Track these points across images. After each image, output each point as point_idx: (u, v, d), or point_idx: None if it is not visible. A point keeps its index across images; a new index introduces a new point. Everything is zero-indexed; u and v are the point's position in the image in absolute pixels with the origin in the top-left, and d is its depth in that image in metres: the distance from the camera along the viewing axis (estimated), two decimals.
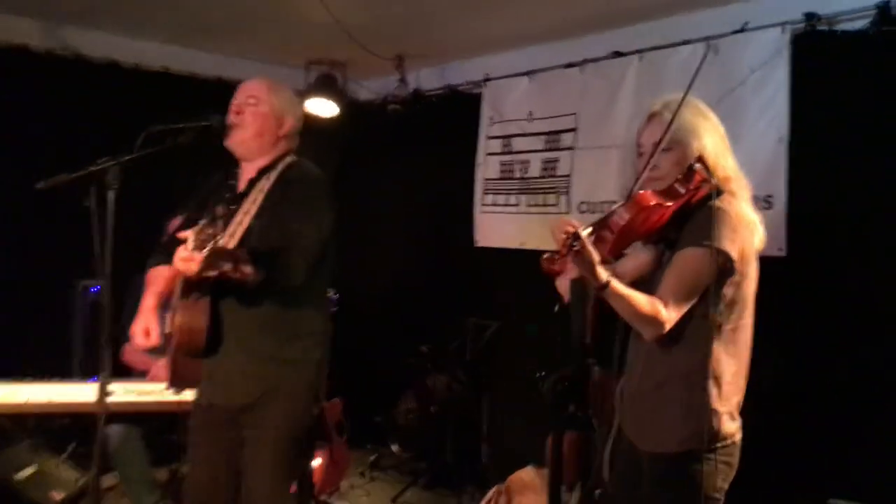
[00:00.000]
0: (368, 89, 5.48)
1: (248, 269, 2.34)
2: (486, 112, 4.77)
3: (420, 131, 5.16)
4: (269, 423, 2.56)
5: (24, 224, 4.29)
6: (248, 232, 2.53)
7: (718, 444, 1.99)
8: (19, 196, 3.47)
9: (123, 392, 3.36)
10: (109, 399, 3.10)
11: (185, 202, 2.82)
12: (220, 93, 4.96)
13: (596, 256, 1.81)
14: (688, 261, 1.94)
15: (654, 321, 1.91)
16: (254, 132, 2.62)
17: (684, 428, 2.00)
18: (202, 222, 2.22)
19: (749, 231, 2.00)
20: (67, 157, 2.36)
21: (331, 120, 5.15)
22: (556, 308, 1.93)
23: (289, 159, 2.71)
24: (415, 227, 5.19)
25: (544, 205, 4.41)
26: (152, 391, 3.40)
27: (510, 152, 4.62)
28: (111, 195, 2.21)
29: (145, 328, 2.59)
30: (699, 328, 1.96)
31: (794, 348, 3.23)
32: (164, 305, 2.65)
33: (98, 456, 2.39)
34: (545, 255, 1.75)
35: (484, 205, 4.76)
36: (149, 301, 2.65)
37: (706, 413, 1.97)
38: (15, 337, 4.23)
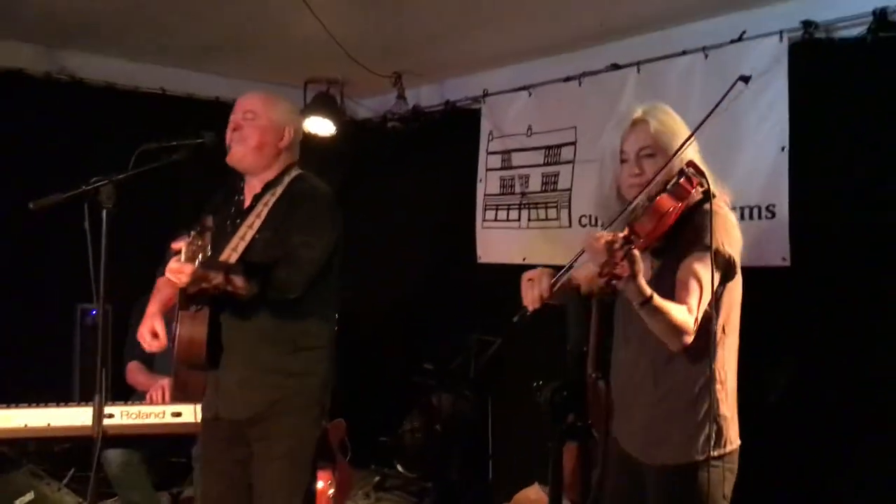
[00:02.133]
0: (367, 107, 5.48)
1: (239, 281, 2.37)
2: (485, 127, 4.76)
3: (420, 148, 5.15)
4: (276, 436, 2.57)
5: (24, 247, 4.28)
6: (251, 245, 2.55)
7: (727, 450, 1.99)
8: (19, 219, 3.46)
9: (122, 415, 3.33)
10: (108, 422, 3.11)
11: (193, 217, 2.82)
12: (218, 113, 4.98)
13: (641, 264, 1.79)
14: (700, 266, 1.93)
15: (686, 331, 1.89)
16: (254, 146, 2.62)
17: (697, 435, 1.99)
18: (193, 234, 2.26)
19: (739, 234, 2.03)
20: (66, 180, 2.35)
21: (330, 139, 5.14)
22: (516, 319, 1.91)
23: (294, 172, 2.71)
24: (417, 245, 5.16)
25: (546, 219, 4.38)
26: (151, 413, 3.36)
27: (510, 167, 4.61)
28: (105, 215, 2.20)
29: (152, 329, 2.59)
30: (703, 334, 1.95)
31: (799, 358, 3.19)
32: (170, 313, 2.65)
33: (95, 482, 2.35)
34: (603, 263, 1.72)
35: (485, 220, 4.74)
36: (153, 307, 2.67)
37: (716, 418, 1.98)
38: (14, 361, 4.20)
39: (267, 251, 2.53)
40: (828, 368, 3.17)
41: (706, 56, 3.61)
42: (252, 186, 2.70)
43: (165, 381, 3.55)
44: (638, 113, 2.10)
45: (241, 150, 2.62)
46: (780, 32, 3.32)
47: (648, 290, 1.81)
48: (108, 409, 3.19)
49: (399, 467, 4.89)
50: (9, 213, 3.44)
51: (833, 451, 3.12)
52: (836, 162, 3.24)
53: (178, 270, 2.29)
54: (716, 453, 1.98)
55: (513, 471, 4.34)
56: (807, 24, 3.27)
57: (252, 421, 2.59)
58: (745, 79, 2.10)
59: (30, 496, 3.53)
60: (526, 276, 2.08)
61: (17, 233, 4.10)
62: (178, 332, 2.49)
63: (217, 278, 2.37)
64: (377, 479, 4.88)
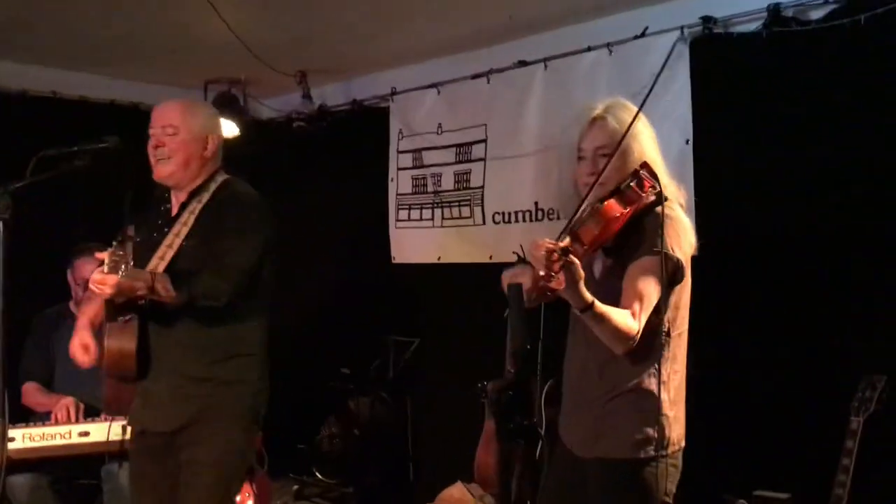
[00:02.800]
0: (271, 107, 5.35)
1: (164, 290, 2.36)
2: (394, 126, 4.72)
3: (328, 148, 5.06)
4: (205, 443, 2.53)
5: None
6: (178, 254, 2.53)
7: (669, 451, 2.01)
8: None
9: (25, 438, 3.14)
10: (10, 446, 2.94)
11: (114, 227, 2.70)
12: (114, 116, 4.81)
13: (581, 272, 1.78)
14: (647, 270, 1.94)
15: (629, 336, 1.89)
16: (180, 163, 2.59)
17: (637, 434, 2.00)
18: (114, 244, 2.26)
19: (690, 236, 2.05)
20: None
21: (233, 140, 4.99)
22: (506, 314, 1.88)
23: (220, 178, 2.69)
24: (330, 247, 5.07)
25: (459, 217, 4.38)
26: (56, 434, 3.19)
27: (422, 166, 4.58)
28: (1, 226, 2.06)
29: (83, 343, 2.59)
30: (651, 336, 1.96)
31: (712, 347, 3.28)
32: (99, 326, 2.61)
33: None
34: (541, 275, 1.69)
35: (399, 220, 4.70)
36: (82, 320, 2.66)
37: (658, 419, 1.99)
38: None
39: (194, 259, 2.50)
40: (724, 360, 3.25)
41: (611, 52, 3.68)
42: (178, 195, 2.67)
43: (69, 400, 3.38)
44: (598, 110, 2.07)
45: (168, 168, 2.59)
46: (681, 28, 3.41)
47: (589, 298, 1.81)
48: (9, 433, 3.01)
49: (318, 474, 4.81)
50: None
51: (753, 432, 3.21)
52: (737, 153, 3.34)
53: (101, 282, 2.28)
54: (657, 453, 1.99)
55: (434, 471, 4.34)
56: (706, 20, 3.37)
57: (180, 430, 2.54)
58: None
59: None
60: (507, 275, 1.99)
61: None
62: (106, 345, 2.46)
63: (142, 289, 2.36)
64: (296, 487, 4.79)
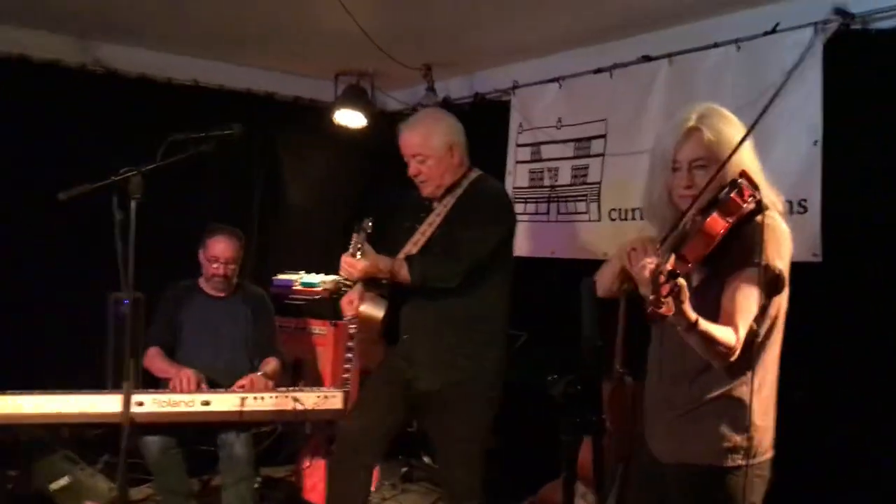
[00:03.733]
0: (397, 99, 5.48)
1: (402, 274, 2.85)
2: (515, 120, 4.74)
3: None
4: (458, 419, 2.93)
5: (59, 238, 4.36)
6: (429, 241, 2.96)
7: (757, 461, 1.96)
8: (54, 210, 3.53)
9: (153, 403, 3.38)
10: (139, 410, 3.18)
11: (391, 217, 3.28)
12: (249, 104, 5.08)
13: (687, 294, 1.74)
14: (748, 282, 1.89)
15: (730, 351, 1.86)
16: (437, 181, 2.99)
17: (725, 441, 1.96)
18: (355, 232, 2.88)
19: (789, 245, 1.98)
20: (100, 171, 2.40)
21: (360, 131, 5.16)
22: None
23: (473, 176, 3.06)
24: None
25: (575, 212, 4.36)
26: (181, 402, 3.41)
27: (540, 160, 4.59)
28: (134, 205, 2.24)
29: (350, 299, 3.03)
30: (744, 345, 1.91)
31: (829, 356, 3.14)
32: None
33: (124, 465, 2.40)
34: (650, 299, 1.66)
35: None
36: (359, 286, 3.07)
37: (748, 427, 1.94)
38: (49, 349, 4.30)
39: (442, 245, 2.91)
40: (859, 366, 3.12)
41: (739, 48, 3.56)
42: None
43: (190, 371, 3.58)
44: (692, 121, 2.01)
45: (430, 189, 3.01)
46: (815, 24, 3.26)
47: (693, 316, 1.78)
48: (139, 397, 3.26)
49: (426, 458, 4.90)
50: (44, 203, 3.51)
51: (863, 449, 3.08)
52: (870, 156, 3.17)
53: (351, 264, 2.87)
54: (744, 462, 1.95)
55: (540, 464, 4.33)
56: (843, 15, 3.20)
57: (436, 395, 2.93)
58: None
59: (65, 480, 3.62)
60: (630, 244, 2.02)
61: (52, 223, 4.17)
62: (360, 310, 2.96)
63: (383, 272, 2.88)
64: (404, 470, 4.89)
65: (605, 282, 2.17)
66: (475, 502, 3.03)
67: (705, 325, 1.81)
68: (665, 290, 1.64)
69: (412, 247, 2.97)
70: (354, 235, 2.91)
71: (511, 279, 3.09)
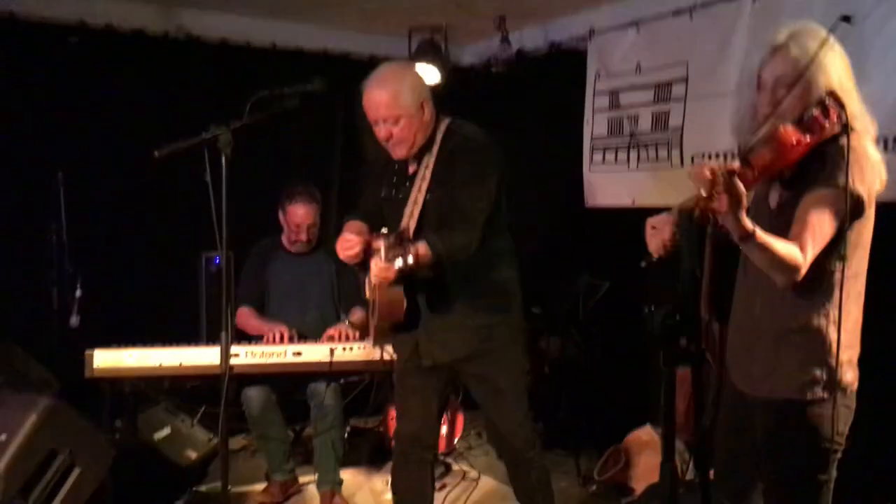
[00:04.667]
0: (471, 53, 5.45)
1: (425, 259, 2.58)
2: (591, 67, 4.66)
3: (525, 93, 5.09)
4: (497, 372, 2.86)
5: (153, 199, 4.53)
6: (424, 208, 2.74)
7: (838, 392, 1.93)
8: (145, 173, 3.68)
9: (247, 354, 3.51)
10: (233, 361, 3.30)
11: (361, 185, 3.08)
12: (326, 65, 5.12)
13: (744, 199, 1.71)
14: (822, 202, 1.85)
15: (793, 268, 1.82)
16: (411, 141, 2.75)
17: (804, 375, 1.94)
18: (391, 238, 2.54)
19: (874, 172, 1.91)
20: (186, 134, 2.48)
21: (435, 86, 5.15)
22: (644, 264, 1.85)
23: (443, 126, 2.82)
24: (526, 189, 5.13)
25: (656, 160, 4.28)
26: (273, 353, 3.54)
27: (618, 107, 4.50)
28: (224, 160, 2.31)
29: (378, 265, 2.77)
30: (824, 273, 1.88)
31: None
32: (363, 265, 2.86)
33: (225, 415, 2.51)
34: (702, 194, 1.64)
35: (593, 163, 4.68)
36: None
37: (827, 360, 1.92)
38: (147, 306, 4.50)
39: (439, 211, 2.72)
40: None
41: None
42: None
43: (282, 326, 3.71)
44: (782, 37, 1.95)
45: (404, 150, 2.76)
46: None
47: (750, 226, 1.74)
48: (234, 349, 3.39)
49: None
50: (138, 167, 3.65)
51: None
52: None
53: (385, 271, 2.52)
54: (826, 394, 1.92)
55: (623, 413, 4.34)
56: None
57: (468, 359, 2.84)
58: (847, 18, 1.95)
59: (166, 431, 3.80)
60: (650, 222, 2.01)
61: (147, 185, 4.34)
62: (378, 296, 2.73)
63: (409, 267, 2.55)
64: None
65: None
66: (535, 450, 2.98)
67: (764, 236, 1.77)
68: (719, 186, 1.63)
69: (408, 219, 2.75)
70: (388, 241, 2.54)
71: (507, 219, 2.93)
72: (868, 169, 1.89)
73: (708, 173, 1.64)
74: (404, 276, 2.60)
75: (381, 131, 2.73)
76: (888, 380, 2.27)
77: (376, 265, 2.54)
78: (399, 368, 3.02)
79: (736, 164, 1.74)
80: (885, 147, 3.15)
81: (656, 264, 1.97)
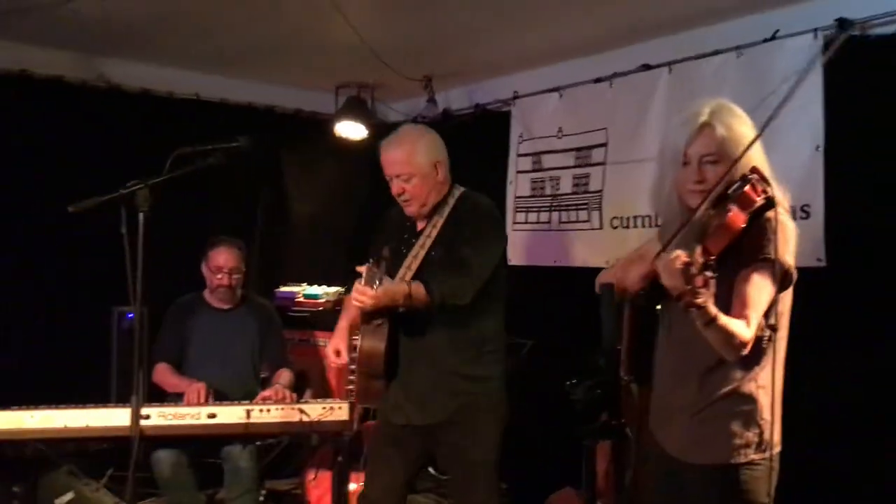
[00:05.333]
0: (397, 111, 5.50)
1: (420, 295, 2.65)
2: (515, 130, 4.76)
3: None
4: (470, 443, 2.81)
5: (62, 251, 4.36)
6: (424, 263, 2.82)
7: (767, 454, 1.99)
8: (58, 224, 3.54)
9: (158, 416, 3.37)
10: (144, 423, 3.17)
11: (373, 237, 3.08)
12: (251, 118, 5.09)
13: (713, 287, 1.75)
14: (758, 276, 1.91)
15: (743, 345, 1.87)
16: (423, 200, 2.85)
17: (737, 438, 1.99)
18: (371, 261, 2.61)
19: (794, 241, 1.99)
20: (103, 185, 2.41)
21: (361, 142, 5.17)
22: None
23: (457, 192, 2.95)
24: None
25: (577, 221, 4.37)
26: (187, 414, 3.41)
27: (541, 169, 4.60)
28: (142, 217, 2.24)
29: (335, 348, 2.90)
30: (755, 341, 1.93)
31: (835, 361, 3.14)
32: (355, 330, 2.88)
33: (134, 479, 2.40)
34: (687, 290, 1.68)
35: (516, 223, 4.73)
36: (342, 323, 2.97)
37: (758, 422, 1.98)
38: (53, 363, 4.28)
39: (438, 267, 2.78)
40: (864, 369, 3.12)
41: (739, 55, 3.58)
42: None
43: (201, 385, 3.59)
44: (704, 116, 2.02)
45: (415, 208, 2.87)
46: (815, 30, 3.28)
47: (714, 311, 1.79)
48: (144, 410, 3.25)
49: (430, 469, 4.89)
50: (48, 218, 3.52)
51: (868, 452, 3.07)
52: (872, 161, 3.18)
53: (362, 293, 2.60)
54: (757, 456, 1.97)
55: (546, 474, 4.33)
56: (841, 22, 3.22)
57: (444, 425, 2.81)
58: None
59: (69, 496, 3.60)
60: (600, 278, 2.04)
61: (57, 237, 4.19)
62: (360, 345, 2.74)
63: (400, 301, 2.66)
64: None
65: (633, 281, 2.16)
66: None
67: (724, 319, 1.82)
68: (700, 280, 1.67)
69: (405, 271, 2.82)
70: (370, 265, 2.66)
71: (505, 298, 2.98)
72: (791, 240, 1.97)
73: (681, 266, 1.67)
74: (389, 312, 2.68)
75: (394, 187, 2.86)
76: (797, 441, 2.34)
77: (356, 289, 2.61)
78: (374, 433, 3.02)
79: (702, 255, 1.75)
80: (794, 216, 3.29)
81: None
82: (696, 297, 1.68)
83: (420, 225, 2.92)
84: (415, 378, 2.83)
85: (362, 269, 2.64)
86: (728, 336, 1.84)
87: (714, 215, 1.90)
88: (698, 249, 1.76)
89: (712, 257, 1.80)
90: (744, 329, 1.86)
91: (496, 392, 2.89)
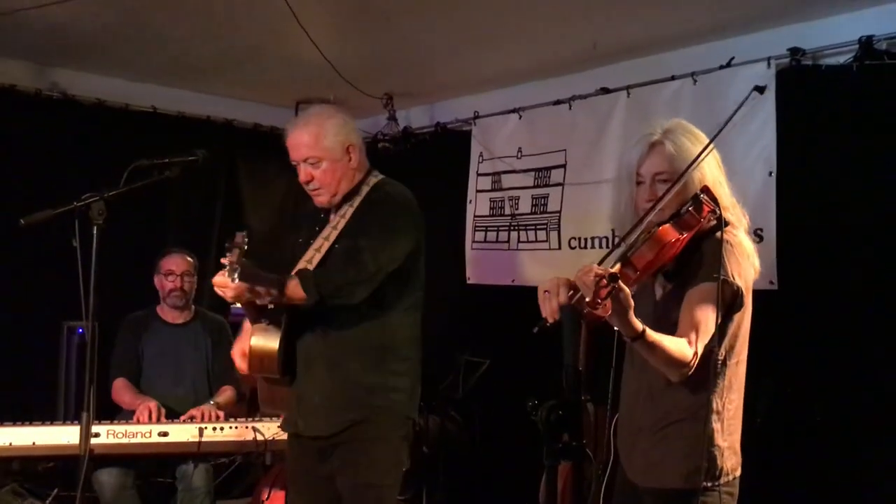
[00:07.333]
0: (359, 127, 5.46)
1: (294, 291, 2.36)
2: (475, 149, 4.78)
3: (410, 169, 5.10)
4: (363, 464, 2.52)
5: (11, 263, 4.24)
6: (326, 256, 2.53)
7: (721, 480, 1.97)
8: (8, 236, 3.46)
9: (108, 434, 3.30)
10: (94, 441, 3.08)
11: (289, 233, 2.83)
12: (209, 132, 5.02)
13: (630, 301, 1.73)
14: (704, 296, 1.90)
15: (683, 364, 1.85)
16: (334, 188, 2.57)
17: (688, 463, 1.97)
18: (233, 249, 2.27)
19: (750, 262, 2.00)
20: (56, 197, 2.35)
21: None
22: (536, 329, 1.84)
23: (373, 180, 2.65)
24: None
25: (535, 241, 4.40)
26: (138, 433, 3.34)
27: (500, 189, 4.63)
28: (96, 231, 2.20)
29: (242, 351, 2.60)
30: (704, 364, 1.91)
31: (787, 382, 3.20)
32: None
33: (82, 500, 2.33)
34: (586, 301, 1.65)
35: (475, 242, 4.75)
36: (246, 325, 2.66)
37: (710, 449, 1.95)
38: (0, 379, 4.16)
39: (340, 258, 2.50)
40: (816, 391, 3.18)
41: (695, 81, 3.66)
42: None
43: (152, 403, 3.52)
44: (657, 135, 2.03)
45: (325, 197, 2.59)
46: (768, 59, 3.37)
47: (639, 326, 1.77)
48: (94, 428, 3.16)
49: None
50: None
51: (823, 471, 3.13)
52: (822, 186, 3.27)
53: (223, 285, 2.31)
54: (709, 483, 1.95)
55: (503, 492, 4.32)
56: (794, 51, 3.32)
57: (335, 440, 2.54)
58: (760, 89, 2.02)
59: None
60: (542, 287, 1.94)
61: (6, 249, 4.08)
62: (250, 345, 2.49)
63: (262, 292, 2.36)
64: None
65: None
66: None
67: (654, 335, 1.80)
68: (603, 292, 1.64)
69: (305, 264, 2.52)
70: (228, 254, 2.28)
71: (422, 304, 2.70)
72: (744, 260, 1.96)
73: (592, 277, 1.65)
74: (265, 308, 2.42)
75: (302, 174, 2.56)
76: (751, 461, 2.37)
77: (214, 280, 2.34)
78: (289, 445, 2.75)
79: (617, 267, 1.77)
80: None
81: (550, 329, 1.91)
82: (596, 307, 1.64)
83: (332, 217, 2.65)
84: (308, 384, 2.55)
85: (226, 260, 2.29)
86: (665, 355, 1.82)
87: (644, 230, 1.91)
88: (618, 263, 1.76)
89: (637, 272, 1.80)
90: (684, 348, 1.84)
91: (400, 407, 2.58)
